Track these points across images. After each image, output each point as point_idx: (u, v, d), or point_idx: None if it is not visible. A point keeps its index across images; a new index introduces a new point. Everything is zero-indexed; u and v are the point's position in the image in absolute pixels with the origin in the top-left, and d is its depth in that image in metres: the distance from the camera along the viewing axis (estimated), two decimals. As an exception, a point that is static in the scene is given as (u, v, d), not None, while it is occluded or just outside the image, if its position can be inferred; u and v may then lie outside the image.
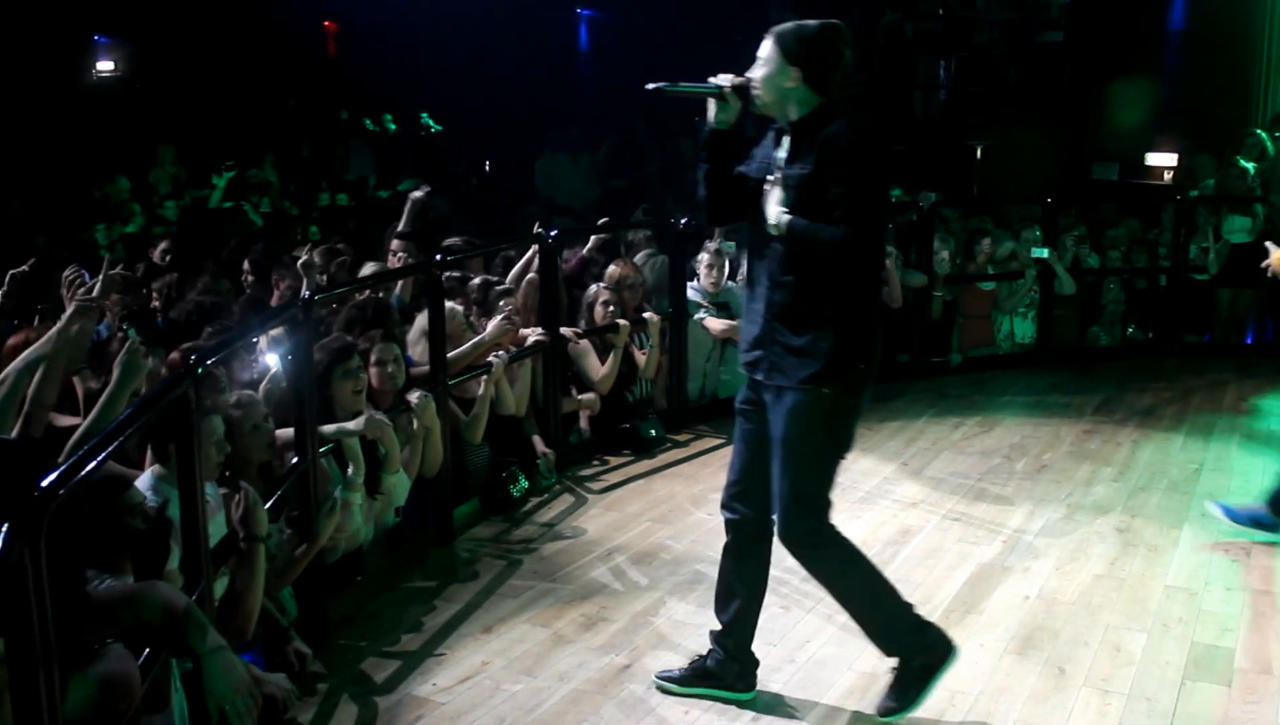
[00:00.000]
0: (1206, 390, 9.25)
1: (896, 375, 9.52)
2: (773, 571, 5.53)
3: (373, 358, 5.61)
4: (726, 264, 8.51)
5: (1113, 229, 10.69)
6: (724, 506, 4.44)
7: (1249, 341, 10.95)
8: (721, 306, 8.46)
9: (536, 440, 7.00)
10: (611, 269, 8.13)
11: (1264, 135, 11.21)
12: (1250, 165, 10.87)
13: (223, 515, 4.22)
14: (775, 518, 4.23)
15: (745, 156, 4.31)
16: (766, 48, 4.13)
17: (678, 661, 4.69)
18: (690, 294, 8.30)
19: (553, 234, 7.27)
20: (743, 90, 4.16)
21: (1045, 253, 9.72)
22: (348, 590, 5.22)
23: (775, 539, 4.31)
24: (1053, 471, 7.22)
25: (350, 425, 5.16)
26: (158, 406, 3.46)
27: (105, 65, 15.68)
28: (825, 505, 4.19)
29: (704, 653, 4.54)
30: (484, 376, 6.44)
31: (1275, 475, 6.15)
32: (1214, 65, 13.65)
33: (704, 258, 8.43)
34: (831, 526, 4.20)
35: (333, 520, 4.87)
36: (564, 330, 7.29)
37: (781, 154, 4.15)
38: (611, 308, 7.67)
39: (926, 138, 13.40)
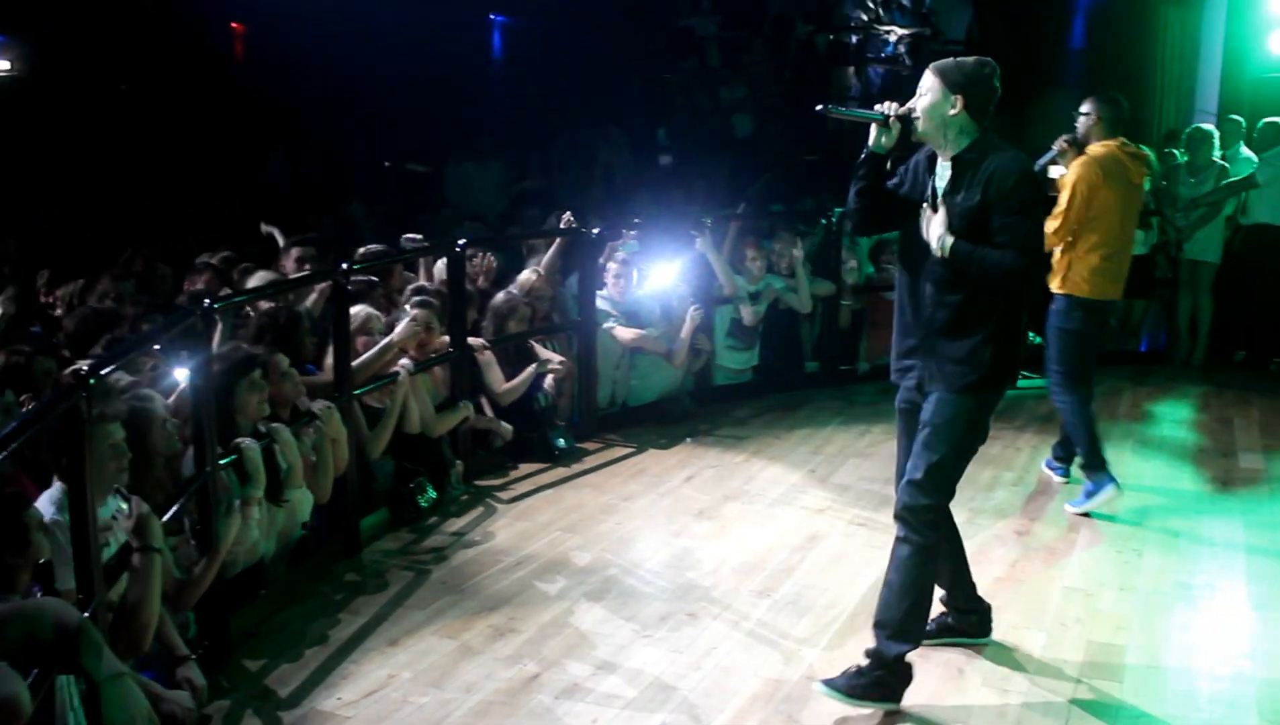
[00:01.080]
0: (1102, 397, 9.36)
1: (804, 383, 9.63)
2: (680, 578, 5.64)
3: (276, 369, 5.56)
4: (634, 273, 8.55)
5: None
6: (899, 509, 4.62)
7: (1143, 349, 11.21)
8: (630, 315, 8.50)
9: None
10: (521, 277, 8.13)
11: (1151, 152, 11.48)
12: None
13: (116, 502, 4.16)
14: (900, 489, 4.58)
15: (892, 174, 4.71)
16: (928, 80, 4.47)
17: (586, 671, 4.71)
18: (599, 303, 8.33)
19: (460, 242, 7.25)
20: (904, 118, 4.48)
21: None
22: (251, 605, 5.16)
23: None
24: (954, 477, 7.33)
25: (252, 443, 5.10)
26: (45, 420, 3.40)
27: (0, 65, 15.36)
28: (948, 494, 4.58)
29: (939, 614, 4.92)
30: (392, 387, 6.41)
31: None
32: (1112, 83, 13.96)
33: (612, 266, 8.47)
34: (942, 518, 4.60)
35: (232, 525, 4.77)
36: (471, 340, 7.27)
37: (940, 182, 4.50)
38: (522, 314, 7.66)
39: (838, 148, 13.55)
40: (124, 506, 4.13)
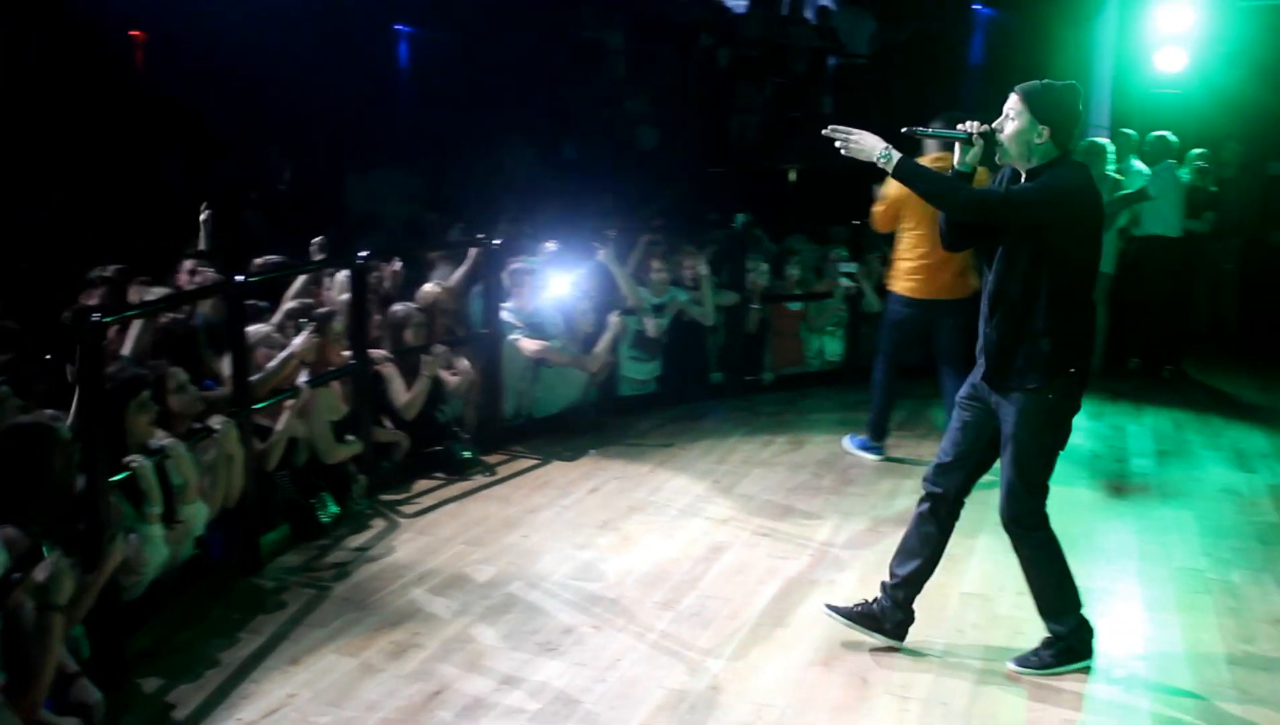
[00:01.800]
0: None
1: (709, 394, 9.68)
2: (583, 590, 5.63)
3: (170, 384, 5.45)
4: (538, 284, 8.53)
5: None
6: (927, 479, 5.11)
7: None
8: (535, 326, 8.47)
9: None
10: (424, 291, 8.08)
11: None
12: None
13: (3, 555, 4.01)
14: (1000, 501, 4.95)
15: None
16: (1014, 104, 4.71)
17: (489, 686, 4.68)
18: (504, 314, 8.30)
19: (362, 254, 7.18)
20: (987, 137, 4.73)
21: (854, 268, 10.04)
22: (147, 625, 5.05)
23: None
24: (858, 486, 7.43)
25: (146, 461, 4.99)
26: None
27: None
28: (1044, 492, 4.89)
29: (870, 599, 5.16)
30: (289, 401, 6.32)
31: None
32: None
33: (516, 278, 8.44)
34: (1044, 512, 4.90)
35: (117, 550, 4.65)
36: (373, 352, 7.20)
37: None
38: (422, 328, 7.60)
39: (742, 161, 13.67)
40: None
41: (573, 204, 11.82)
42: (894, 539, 6.34)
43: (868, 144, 4.78)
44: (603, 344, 8.57)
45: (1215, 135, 12.01)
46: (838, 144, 4.83)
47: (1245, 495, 7.44)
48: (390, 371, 7.37)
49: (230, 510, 5.77)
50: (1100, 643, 5.10)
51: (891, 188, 7.55)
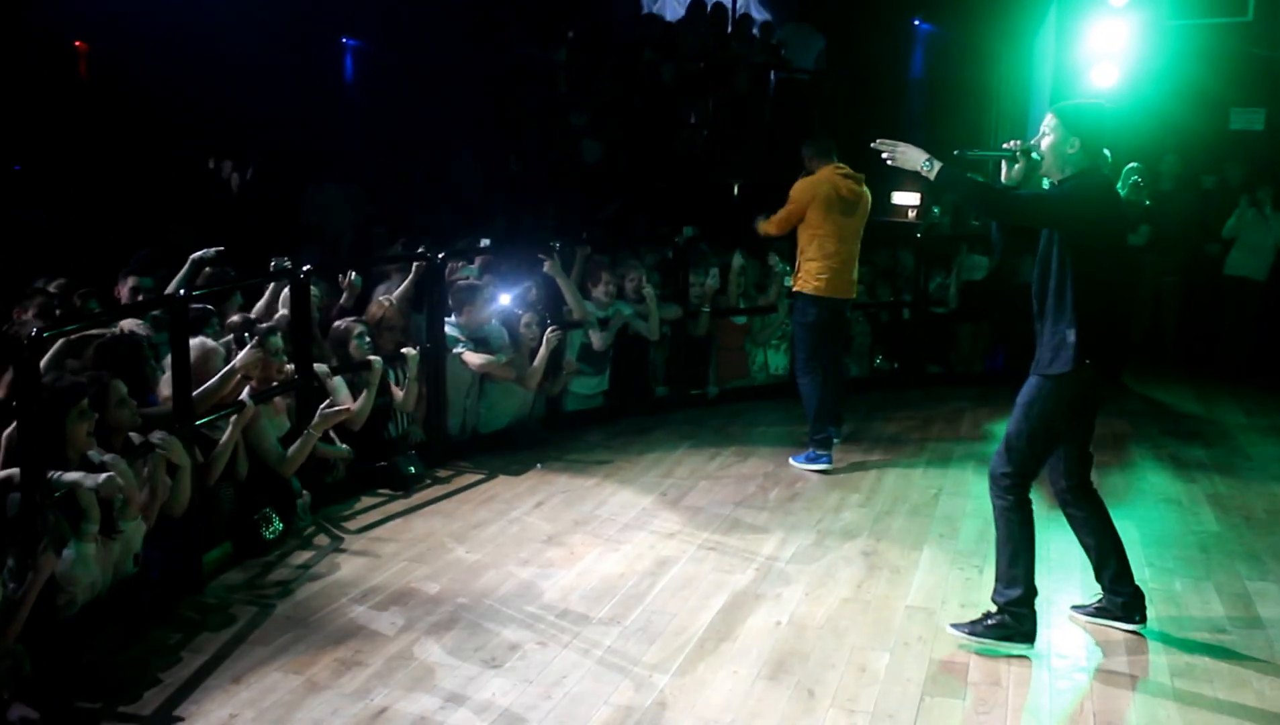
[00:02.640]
0: (946, 418, 9.72)
1: (654, 408, 9.70)
2: (529, 606, 5.61)
3: (111, 397, 5.38)
4: (482, 298, 8.49)
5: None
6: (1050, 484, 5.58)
7: (986, 371, 11.55)
8: (479, 341, 8.44)
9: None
10: (371, 308, 8.03)
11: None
12: None
13: None
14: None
15: None
16: (1050, 121, 5.17)
17: (435, 704, 4.65)
18: (448, 329, 8.26)
19: (305, 268, 7.13)
20: (1028, 152, 5.26)
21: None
22: (87, 644, 4.96)
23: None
24: (804, 499, 7.45)
25: (88, 482, 4.92)
26: None
27: None
28: (1027, 469, 5.26)
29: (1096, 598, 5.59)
30: (233, 417, 6.26)
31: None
32: (951, 112, 14.46)
33: (461, 293, 8.40)
34: (1022, 486, 5.26)
35: (48, 563, 4.56)
36: (316, 367, 7.14)
37: None
38: (366, 342, 7.56)
39: (687, 176, 13.70)
40: None
41: (518, 217, 11.81)
42: (839, 553, 6.45)
43: (912, 155, 5.25)
44: (539, 360, 8.54)
45: (1149, 150, 12.20)
46: (885, 155, 5.32)
47: (1185, 505, 7.52)
48: (336, 383, 7.32)
49: (172, 527, 5.70)
50: (1045, 654, 5.18)
51: (798, 191, 8.14)
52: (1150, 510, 7.40)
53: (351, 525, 6.89)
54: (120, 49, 13.75)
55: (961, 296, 11.09)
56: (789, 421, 9.37)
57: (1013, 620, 5.22)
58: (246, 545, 6.31)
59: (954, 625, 5.35)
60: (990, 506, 5.36)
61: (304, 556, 6.36)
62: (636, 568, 6.20)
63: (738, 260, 10.27)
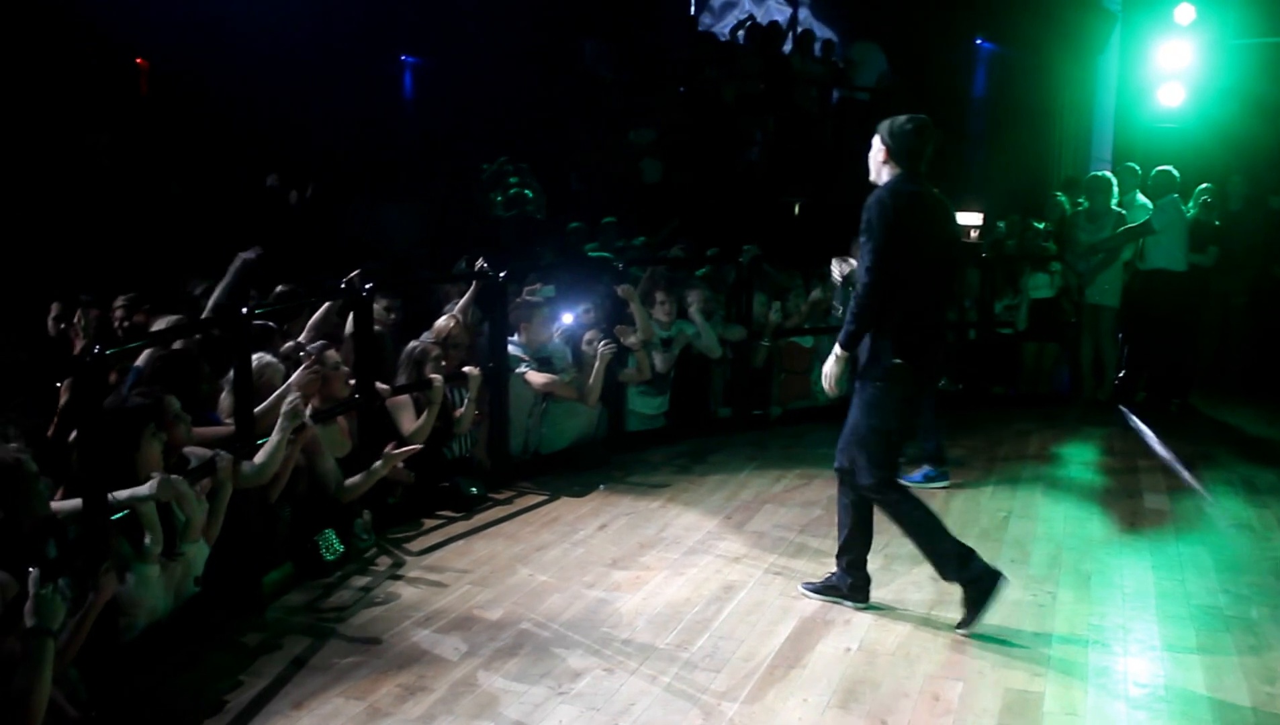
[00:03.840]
0: (1013, 440, 9.56)
1: (716, 429, 9.59)
2: (595, 631, 5.52)
3: (168, 413, 5.35)
4: (544, 317, 8.44)
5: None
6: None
7: (1053, 392, 11.39)
8: (543, 361, 8.39)
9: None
10: (438, 323, 7.99)
11: (1064, 199, 11.76)
12: (1042, 225, 11.41)
13: None
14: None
15: None
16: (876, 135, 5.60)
17: (498, 729, 4.58)
18: (511, 348, 8.21)
19: (367, 286, 7.10)
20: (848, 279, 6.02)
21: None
22: (146, 668, 4.92)
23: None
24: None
25: (143, 489, 4.88)
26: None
27: None
28: (888, 464, 5.63)
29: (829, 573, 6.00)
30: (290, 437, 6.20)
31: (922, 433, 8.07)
32: (1014, 131, 14.33)
33: (524, 312, 8.36)
34: (891, 480, 5.65)
35: (110, 583, 4.52)
36: (378, 385, 7.11)
37: None
38: (432, 361, 7.52)
39: (747, 194, 13.64)
40: None
41: (578, 235, 11.77)
42: (908, 578, 6.32)
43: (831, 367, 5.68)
44: (594, 375, 8.46)
45: (1215, 170, 12.04)
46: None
47: (1258, 529, 7.35)
48: (402, 402, 7.28)
49: (232, 549, 5.65)
50: (1122, 683, 5.04)
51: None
52: (1222, 535, 7.24)
53: (413, 547, 6.83)
54: (181, 66, 13.87)
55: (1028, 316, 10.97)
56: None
57: (978, 587, 5.52)
58: (307, 567, 6.25)
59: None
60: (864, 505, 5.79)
61: (365, 579, 6.30)
62: (703, 592, 6.09)
63: (817, 293, 10.18)
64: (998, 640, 5.50)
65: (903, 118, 5.53)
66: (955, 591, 6.09)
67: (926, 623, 5.71)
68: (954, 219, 5.79)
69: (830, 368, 5.64)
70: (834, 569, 5.97)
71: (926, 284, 5.54)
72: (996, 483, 8.27)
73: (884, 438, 5.56)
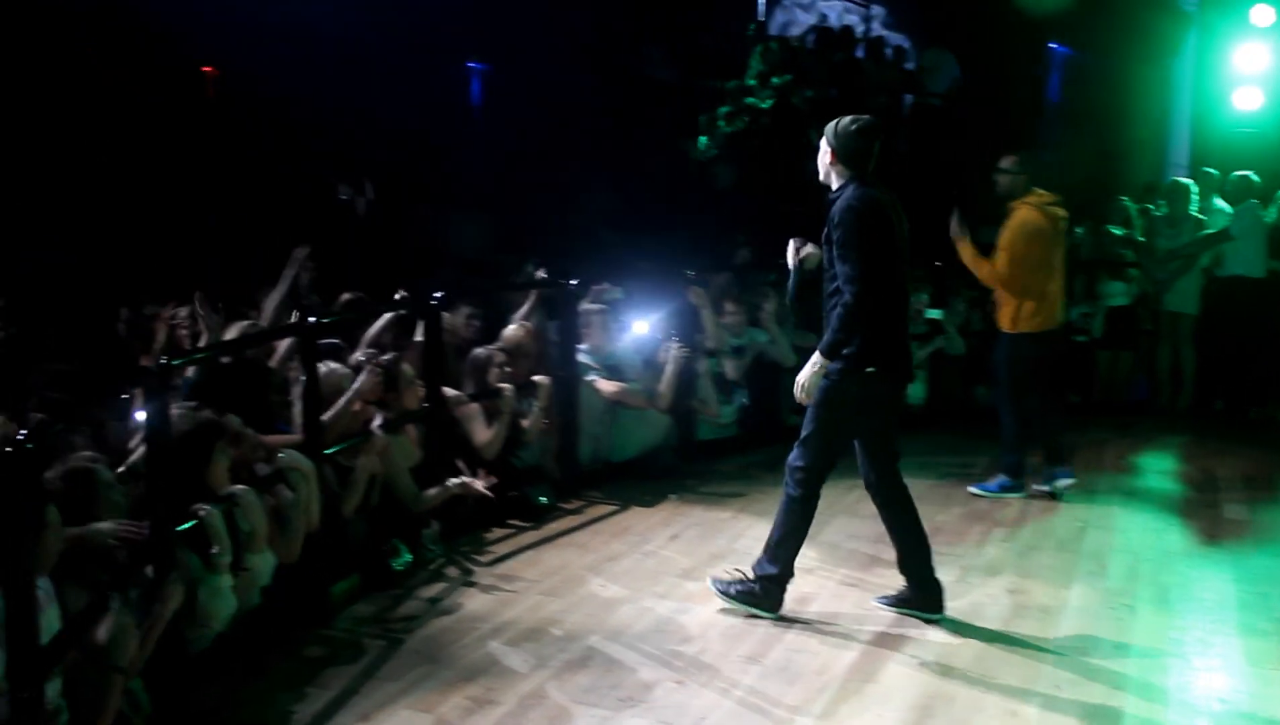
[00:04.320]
0: (1088, 449, 9.39)
1: (790, 437, 9.44)
2: (666, 643, 5.46)
3: (229, 429, 5.37)
4: (614, 324, 8.41)
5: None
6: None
7: (1128, 400, 11.20)
8: (612, 368, 8.35)
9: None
10: (508, 332, 7.99)
11: (1130, 203, 11.55)
12: (1120, 231, 11.20)
13: (54, 610, 3.91)
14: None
15: None
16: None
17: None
18: (580, 356, 8.19)
19: (436, 296, 7.11)
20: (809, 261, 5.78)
21: (939, 314, 9.89)
22: (211, 679, 4.92)
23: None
24: (945, 533, 7.20)
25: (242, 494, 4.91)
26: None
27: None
28: (819, 464, 5.68)
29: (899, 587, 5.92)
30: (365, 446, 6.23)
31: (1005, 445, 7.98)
32: (1089, 136, 14.14)
33: (589, 318, 8.33)
34: (815, 480, 5.71)
35: (176, 595, 4.53)
36: (447, 391, 7.11)
37: None
38: (502, 370, 7.51)
39: (818, 200, 13.53)
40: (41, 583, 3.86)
41: (647, 244, 11.74)
42: (984, 591, 6.22)
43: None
44: (665, 380, 8.40)
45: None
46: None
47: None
48: (471, 411, 7.28)
49: (299, 558, 5.65)
50: (1204, 699, 4.92)
51: (1007, 237, 7.82)
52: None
53: (482, 557, 6.80)
54: (247, 73, 14.01)
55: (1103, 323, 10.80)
56: (925, 452, 9.13)
57: (762, 592, 5.70)
58: (375, 577, 6.24)
59: (712, 579, 5.90)
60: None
61: (433, 589, 6.28)
62: (775, 604, 6.02)
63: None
64: (1076, 654, 5.39)
65: (847, 118, 5.51)
66: (1028, 604, 6.03)
67: (1003, 636, 5.61)
68: (905, 220, 5.68)
69: (806, 376, 5.57)
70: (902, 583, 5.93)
71: (893, 291, 5.55)
72: (1072, 493, 8.11)
73: (827, 431, 5.60)
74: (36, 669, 3.45)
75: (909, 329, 5.85)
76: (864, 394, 5.52)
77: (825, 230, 5.48)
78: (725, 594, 5.76)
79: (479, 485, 6.87)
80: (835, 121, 5.54)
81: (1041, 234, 7.70)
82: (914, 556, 5.80)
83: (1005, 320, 7.92)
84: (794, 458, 5.69)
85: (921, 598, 5.79)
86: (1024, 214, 7.72)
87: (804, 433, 5.64)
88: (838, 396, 5.51)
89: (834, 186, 5.55)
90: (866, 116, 5.55)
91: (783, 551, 5.70)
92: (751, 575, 5.77)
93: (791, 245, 5.79)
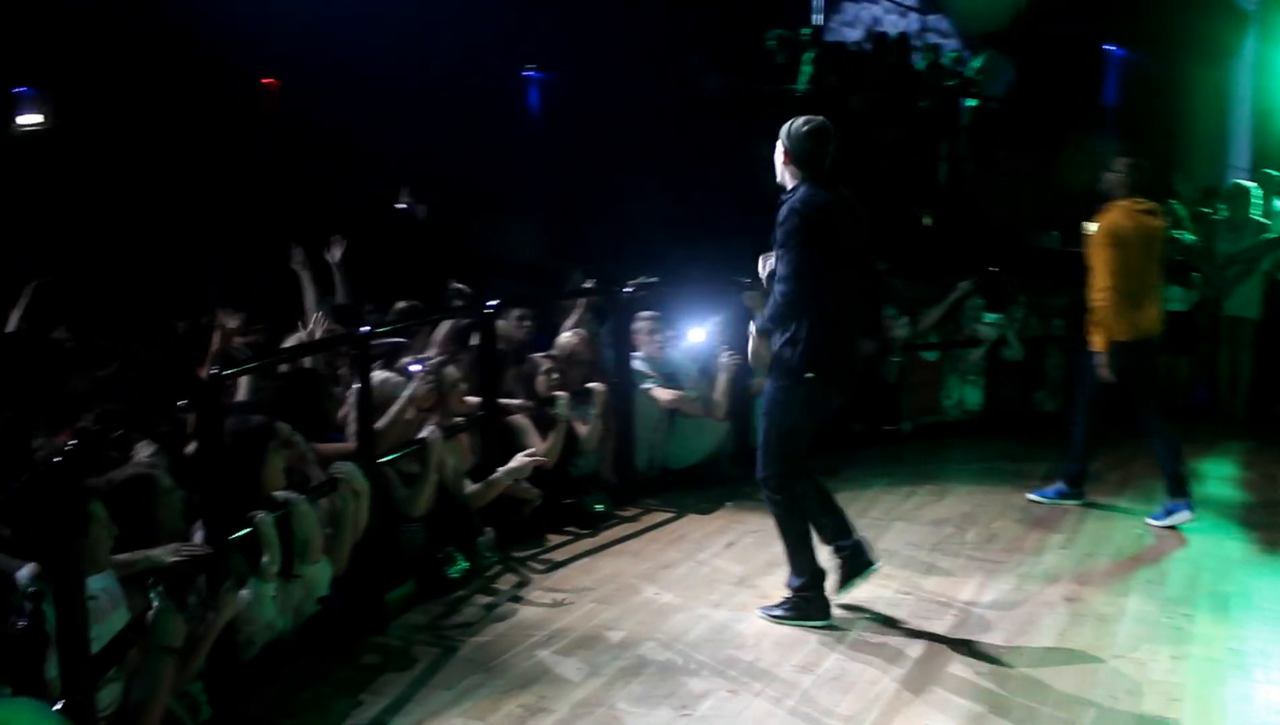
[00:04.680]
0: (1148, 456, 9.22)
1: (849, 444, 9.47)
2: (720, 652, 5.47)
3: (279, 438, 5.44)
4: (669, 332, 8.41)
5: (1053, 297, 10.79)
6: None
7: (1187, 405, 11.04)
8: (668, 376, 8.36)
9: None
10: (562, 339, 8.02)
11: (1179, 206, 11.39)
12: (1183, 235, 11.05)
13: (122, 610, 3.98)
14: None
15: None
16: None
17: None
18: (636, 364, 8.20)
19: (491, 302, 7.16)
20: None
21: (997, 319, 9.82)
22: (267, 685, 4.98)
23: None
24: (1002, 541, 7.16)
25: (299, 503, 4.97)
26: (10, 493, 3.28)
27: (31, 118, 15.32)
28: (787, 465, 5.69)
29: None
30: (425, 449, 6.29)
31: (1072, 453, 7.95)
32: (1145, 139, 13.97)
33: (644, 326, 8.33)
34: (789, 481, 5.71)
35: (231, 601, 4.62)
36: (502, 401, 7.15)
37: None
38: (555, 377, 7.55)
39: (875, 206, 13.47)
40: (97, 585, 3.94)
41: (705, 250, 11.73)
42: (1040, 599, 6.17)
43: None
44: (719, 388, 8.40)
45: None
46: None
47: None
48: (523, 423, 7.32)
49: (355, 565, 5.70)
50: (1263, 712, 4.87)
51: (1094, 239, 7.61)
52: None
53: (537, 565, 6.83)
54: (308, 85, 14.16)
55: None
56: (984, 458, 9.14)
57: (805, 603, 5.72)
58: (430, 584, 6.28)
59: (761, 610, 5.86)
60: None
61: (488, 597, 6.31)
62: (830, 612, 5.99)
63: (937, 311, 10.03)
64: (1133, 664, 5.34)
65: (801, 120, 5.55)
66: (1086, 612, 5.97)
67: (1059, 647, 5.56)
68: (867, 222, 5.69)
69: (752, 347, 5.79)
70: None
71: (837, 294, 5.58)
72: (1131, 500, 8.03)
73: (783, 434, 5.65)
74: (88, 673, 3.50)
75: (857, 334, 5.97)
76: (808, 396, 5.61)
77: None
78: (776, 618, 5.78)
79: (531, 465, 6.85)
80: (789, 122, 5.58)
81: (1127, 239, 7.50)
82: (830, 529, 5.94)
83: (1101, 329, 7.60)
84: (759, 468, 5.75)
85: (851, 558, 5.93)
86: (1113, 216, 7.57)
87: (761, 441, 5.74)
88: (785, 399, 5.61)
89: (788, 187, 5.59)
90: (820, 118, 5.57)
91: (800, 560, 5.76)
92: (790, 593, 5.80)
93: (760, 259, 5.83)
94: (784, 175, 5.63)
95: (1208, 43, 14.11)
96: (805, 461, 5.82)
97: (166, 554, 4.45)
